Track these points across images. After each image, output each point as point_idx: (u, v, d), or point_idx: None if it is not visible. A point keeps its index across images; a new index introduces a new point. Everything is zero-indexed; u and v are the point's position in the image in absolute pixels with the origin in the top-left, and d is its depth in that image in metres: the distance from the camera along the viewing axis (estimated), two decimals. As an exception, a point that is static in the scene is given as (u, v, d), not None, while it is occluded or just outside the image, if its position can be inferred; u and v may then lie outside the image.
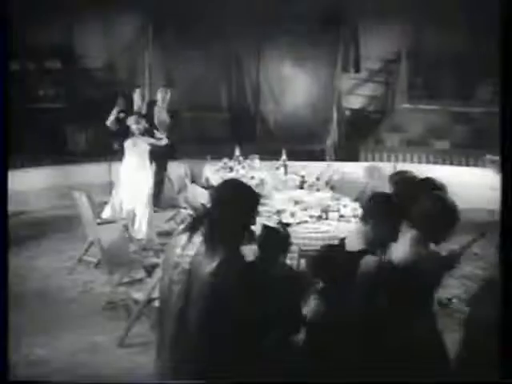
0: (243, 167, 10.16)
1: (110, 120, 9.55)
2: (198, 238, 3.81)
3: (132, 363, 5.89)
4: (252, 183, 8.93)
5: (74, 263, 8.39)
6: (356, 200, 8.60)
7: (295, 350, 4.23)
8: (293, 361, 4.17)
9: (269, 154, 10.90)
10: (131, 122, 9.35)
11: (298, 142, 13.43)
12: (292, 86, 14.71)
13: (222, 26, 13.52)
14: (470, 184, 11.11)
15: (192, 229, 3.91)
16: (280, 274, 4.40)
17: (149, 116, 10.52)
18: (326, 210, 7.13)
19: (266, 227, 4.63)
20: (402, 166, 10.17)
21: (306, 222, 6.91)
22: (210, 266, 3.67)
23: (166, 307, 3.90)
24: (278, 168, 9.92)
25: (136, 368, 5.77)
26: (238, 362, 3.72)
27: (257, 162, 10.53)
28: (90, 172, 11.98)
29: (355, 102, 15.03)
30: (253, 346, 3.86)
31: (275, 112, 14.82)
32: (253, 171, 9.85)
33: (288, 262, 4.75)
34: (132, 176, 9.32)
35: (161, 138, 9.86)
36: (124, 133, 9.40)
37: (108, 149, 10.78)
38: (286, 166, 9.81)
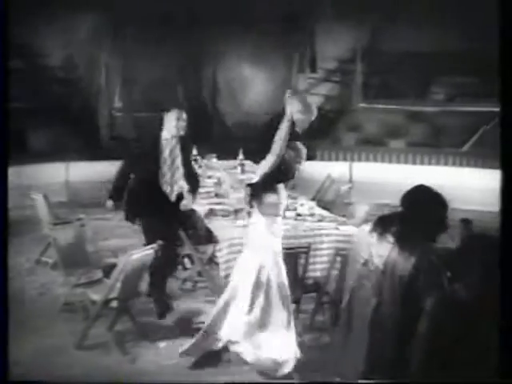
0: (200, 166, 10.16)
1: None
2: (390, 239, 4.07)
3: (91, 365, 5.87)
4: (209, 182, 8.98)
5: (32, 264, 8.32)
6: (313, 199, 8.69)
7: None
8: None
9: (226, 153, 10.93)
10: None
11: (255, 141, 13.48)
12: (249, 85, 14.77)
13: (180, 26, 13.52)
14: (428, 183, 11.26)
15: (383, 229, 4.15)
16: None
17: None
18: (282, 209, 7.16)
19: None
20: (358, 166, 10.30)
21: (262, 220, 6.92)
22: (406, 265, 3.97)
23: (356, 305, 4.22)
24: (235, 167, 9.95)
25: (95, 369, 5.76)
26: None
27: (214, 161, 10.54)
28: (48, 172, 11.88)
29: (312, 101, 15.11)
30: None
31: (233, 111, 14.86)
32: (210, 170, 9.86)
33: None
34: None
35: None
36: None
37: (66, 148, 10.71)
38: (243, 165, 9.85)
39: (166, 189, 6.92)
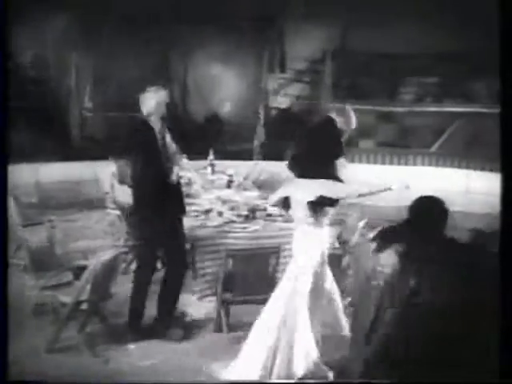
0: (171, 167, 10.16)
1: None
2: (392, 253, 4.04)
3: (62, 367, 5.85)
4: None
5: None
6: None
7: None
8: None
9: (196, 153, 10.94)
10: None
11: (226, 141, 13.51)
12: (219, 85, 14.79)
13: (149, 26, 13.50)
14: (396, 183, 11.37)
15: (385, 241, 4.14)
16: None
17: None
18: (253, 210, 7.21)
19: None
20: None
21: (233, 221, 6.98)
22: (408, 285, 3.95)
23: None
24: (205, 167, 9.97)
25: (66, 372, 5.75)
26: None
27: (184, 162, 10.54)
28: (18, 173, 11.79)
29: (282, 101, 15.20)
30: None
31: (203, 111, 14.86)
32: (180, 171, 9.86)
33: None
34: None
35: None
36: None
37: (36, 149, 10.63)
38: (213, 166, 9.87)
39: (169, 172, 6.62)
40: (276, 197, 5.98)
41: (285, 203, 5.79)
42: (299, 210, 5.53)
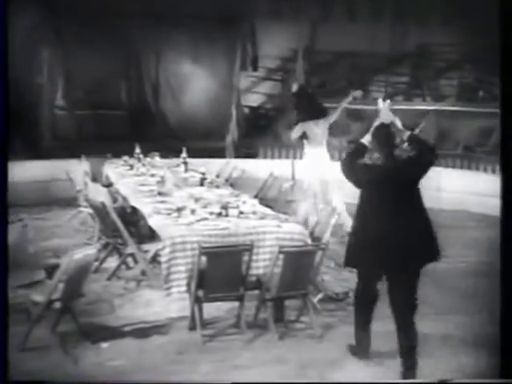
0: (143, 165, 10.18)
1: None
2: None
3: (33, 367, 5.82)
4: (152, 181, 9.00)
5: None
6: (255, 196, 8.77)
7: None
8: None
9: (169, 151, 10.96)
10: None
11: (198, 139, 13.52)
12: (191, 83, 14.80)
13: (120, 25, 13.46)
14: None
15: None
16: None
17: None
18: (225, 207, 7.21)
19: None
20: (300, 163, 10.42)
21: (205, 219, 6.97)
22: None
23: None
24: (178, 165, 9.99)
25: (37, 370, 5.72)
26: None
27: (157, 160, 10.56)
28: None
29: (253, 99, 15.24)
30: None
31: (175, 110, 14.86)
32: (153, 169, 9.88)
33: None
34: None
35: None
36: None
37: (6, 147, 10.53)
38: (186, 164, 9.90)
39: None
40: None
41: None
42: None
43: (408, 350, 5.40)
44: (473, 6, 12.21)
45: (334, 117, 9.90)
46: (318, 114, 9.79)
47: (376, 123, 5.71)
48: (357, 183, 5.60)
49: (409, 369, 5.39)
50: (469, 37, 13.17)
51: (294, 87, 10.24)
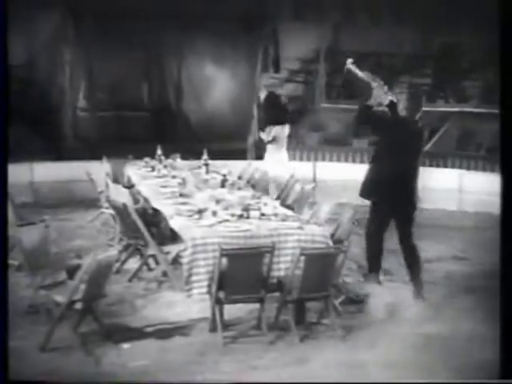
0: (165, 166, 10.19)
1: None
2: None
3: (55, 367, 5.84)
4: (173, 182, 9.01)
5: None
6: (277, 198, 8.76)
7: None
8: None
9: (190, 152, 10.97)
10: None
11: (220, 141, 13.53)
12: (213, 85, 14.79)
13: (143, 25, 13.50)
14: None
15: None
16: None
17: None
18: (247, 209, 7.21)
19: None
20: (322, 165, 10.42)
21: (227, 220, 6.97)
22: None
23: None
24: (199, 167, 9.99)
25: (59, 371, 5.74)
26: None
27: (178, 161, 10.57)
28: (12, 173, 11.77)
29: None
30: None
31: (197, 111, 14.86)
32: (174, 170, 9.89)
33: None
34: None
35: None
36: None
37: (30, 149, 10.63)
38: (207, 165, 9.90)
39: None
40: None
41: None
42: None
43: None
44: (496, 7, 12.10)
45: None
46: (285, 119, 11.12)
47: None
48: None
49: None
50: (494, 38, 13.06)
51: (263, 94, 11.72)
